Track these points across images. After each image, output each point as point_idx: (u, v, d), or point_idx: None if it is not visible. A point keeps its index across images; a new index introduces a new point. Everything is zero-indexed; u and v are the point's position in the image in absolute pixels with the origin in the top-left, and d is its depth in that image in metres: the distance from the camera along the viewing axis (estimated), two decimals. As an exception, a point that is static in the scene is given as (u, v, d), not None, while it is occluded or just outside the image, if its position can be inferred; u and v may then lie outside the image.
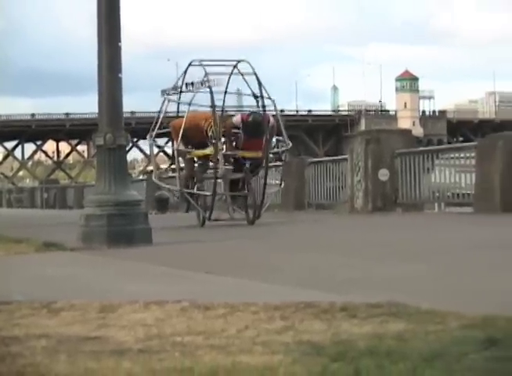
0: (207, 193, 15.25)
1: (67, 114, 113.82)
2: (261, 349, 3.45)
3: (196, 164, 15.87)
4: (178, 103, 16.27)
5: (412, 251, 8.65)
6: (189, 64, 15.77)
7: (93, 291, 5.99)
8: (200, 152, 15.32)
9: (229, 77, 16.12)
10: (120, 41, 10.61)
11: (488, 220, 13.81)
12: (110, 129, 10.48)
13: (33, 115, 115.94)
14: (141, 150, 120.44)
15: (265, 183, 15.01)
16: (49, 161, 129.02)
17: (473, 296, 5.00)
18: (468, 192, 17.56)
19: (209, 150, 14.96)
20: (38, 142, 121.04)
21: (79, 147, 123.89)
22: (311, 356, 3.24)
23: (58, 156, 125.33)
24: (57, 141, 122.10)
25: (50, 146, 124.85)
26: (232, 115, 15.91)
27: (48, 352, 3.60)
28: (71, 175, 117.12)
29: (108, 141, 10.43)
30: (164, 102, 16.16)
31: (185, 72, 15.84)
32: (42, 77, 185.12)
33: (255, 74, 15.65)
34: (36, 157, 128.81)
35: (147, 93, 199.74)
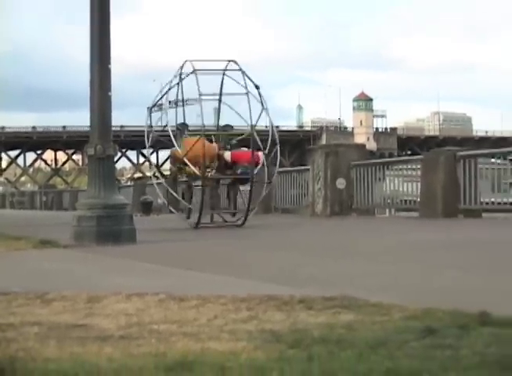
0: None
1: (64, 127, 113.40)
2: (227, 337, 3.44)
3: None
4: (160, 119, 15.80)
5: (364, 250, 8.66)
6: (183, 65, 14.62)
7: (82, 284, 5.95)
8: (192, 170, 14.46)
9: (221, 86, 15.44)
10: (109, 63, 10.58)
11: (431, 224, 13.86)
12: (100, 141, 10.46)
13: (34, 128, 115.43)
14: (129, 160, 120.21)
15: (251, 191, 14.60)
16: (48, 168, 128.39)
17: (415, 291, 5.01)
18: (414, 199, 17.62)
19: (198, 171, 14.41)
20: (39, 152, 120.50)
21: (74, 156, 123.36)
22: (271, 343, 3.23)
23: (56, 164, 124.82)
24: (55, 150, 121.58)
25: (49, 155, 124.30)
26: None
27: (40, 337, 3.57)
28: (67, 181, 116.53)
29: (98, 151, 10.41)
30: (149, 115, 15.95)
31: (181, 73, 14.76)
32: (43, 94, 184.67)
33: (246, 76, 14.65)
34: (36, 164, 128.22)
35: (135, 109, 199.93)
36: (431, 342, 3.12)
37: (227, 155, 14.81)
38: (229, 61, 14.96)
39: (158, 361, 2.95)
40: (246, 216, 14.58)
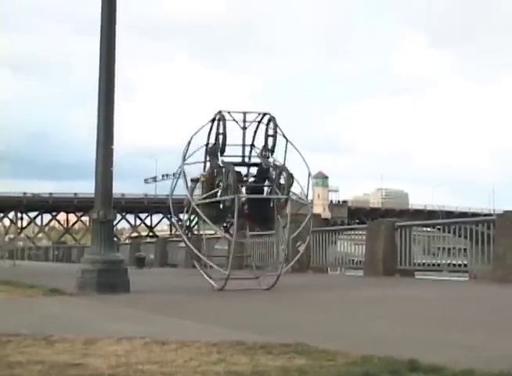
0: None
1: (75, 194, 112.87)
2: (199, 377, 3.38)
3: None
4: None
5: (317, 303, 8.60)
6: (216, 115, 11.07)
7: (82, 327, 5.85)
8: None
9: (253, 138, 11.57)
10: (112, 144, 10.57)
11: (373, 281, 13.81)
12: (103, 208, 10.41)
13: (50, 194, 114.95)
14: (128, 222, 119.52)
15: (286, 249, 12.06)
16: (61, 227, 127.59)
17: (357, 339, 4.96)
18: (360, 259, 17.60)
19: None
20: (54, 213, 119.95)
21: (83, 218, 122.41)
22: (235, 383, 3.17)
23: (67, 224, 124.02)
24: (67, 213, 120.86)
25: (62, 216, 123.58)
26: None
27: (42, 374, 3.48)
28: (76, 238, 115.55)
29: (100, 216, 10.37)
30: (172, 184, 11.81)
31: (213, 121, 11.15)
32: (59, 167, 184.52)
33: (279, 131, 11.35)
34: (51, 224, 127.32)
35: (134, 180, 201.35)
36: (368, 385, 3.07)
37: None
38: (264, 115, 11.50)
39: (139, 398, 2.88)
40: (278, 276, 11.26)
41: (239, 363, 3.79)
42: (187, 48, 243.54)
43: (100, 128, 10.55)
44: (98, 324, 6.27)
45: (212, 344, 4.45)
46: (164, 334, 5.00)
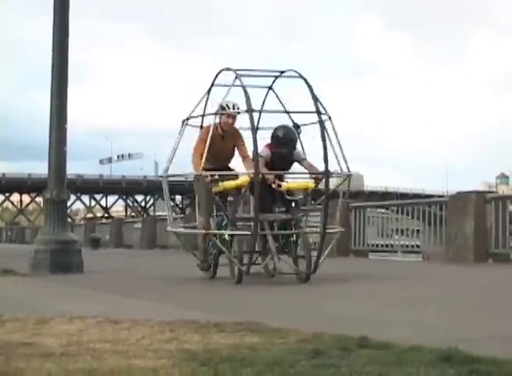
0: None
1: (29, 174, 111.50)
2: (151, 355, 3.38)
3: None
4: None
5: (273, 284, 8.62)
6: (219, 73, 8.56)
7: (34, 307, 5.79)
8: (232, 183, 8.21)
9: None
10: (66, 123, 10.47)
11: (328, 262, 13.89)
12: (56, 188, 10.33)
13: (3, 174, 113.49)
14: (83, 203, 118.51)
15: (325, 225, 8.73)
16: (14, 208, 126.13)
17: (311, 318, 5.01)
18: (315, 240, 17.67)
19: (242, 180, 8.21)
20: (7, 194, 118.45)
21: (37, 199, 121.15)
22: (186, 361, 3.18)
23: (21, 205, 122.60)
24: (21, 194, 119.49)
25: (15, 197, 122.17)
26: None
27: (-8, 354, 3.45)
28: (30, 219, 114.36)
29: (54, 196, 10.28)
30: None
31: (214, 80, 8.63)
32: (13, 146, 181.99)
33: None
34: (4, 204, 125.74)
35: (89, 161, 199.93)
36: (318, 362, 3.09)
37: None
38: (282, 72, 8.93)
39: (90, 376, 2.87)
40: (317, 262, 8.25)
41: (192, 341, 3.80)
42: (147, 30, 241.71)
43: (54, 107, 10.44)
44: (50, 304, 6.23)
45: (165, 322, 4.45)
46: (117, 313, 4.98)
